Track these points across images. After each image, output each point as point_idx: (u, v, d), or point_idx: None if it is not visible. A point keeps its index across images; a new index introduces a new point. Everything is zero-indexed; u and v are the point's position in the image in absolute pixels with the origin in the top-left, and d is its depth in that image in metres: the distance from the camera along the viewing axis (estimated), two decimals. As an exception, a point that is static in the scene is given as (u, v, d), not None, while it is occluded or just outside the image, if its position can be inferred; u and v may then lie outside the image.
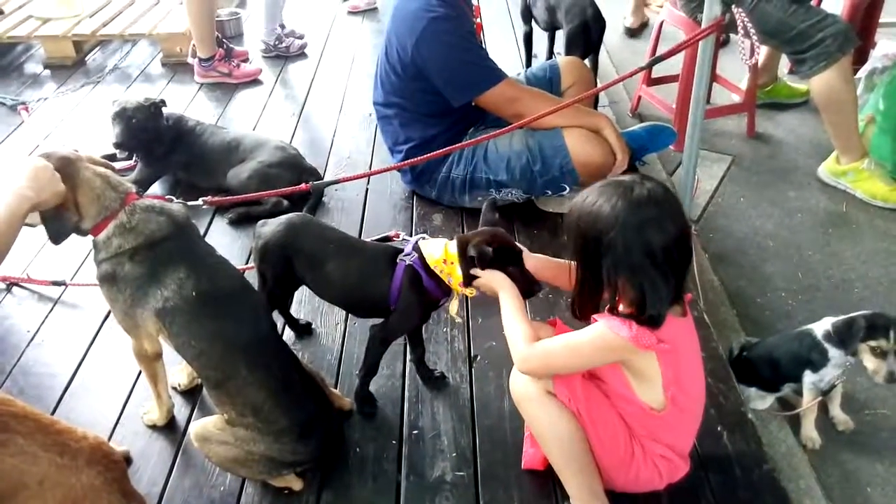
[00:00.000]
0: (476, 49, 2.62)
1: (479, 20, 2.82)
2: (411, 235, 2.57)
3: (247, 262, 2.48)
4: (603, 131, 2.59)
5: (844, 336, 2.00)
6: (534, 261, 1.78)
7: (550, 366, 1.56)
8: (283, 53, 4.38)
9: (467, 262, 1.71)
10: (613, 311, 1.49)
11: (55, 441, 1.47)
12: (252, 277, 2.00)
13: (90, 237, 1.67)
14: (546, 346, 1.54)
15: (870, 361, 2.00)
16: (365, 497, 1.77)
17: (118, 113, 2.85)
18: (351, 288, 1.91)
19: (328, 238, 1.95)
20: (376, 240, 2.24)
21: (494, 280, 1.68)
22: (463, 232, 2.71)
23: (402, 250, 1.86)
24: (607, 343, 1.46)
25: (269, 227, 1.95)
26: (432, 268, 1.78)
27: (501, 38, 4.48)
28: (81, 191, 1.62)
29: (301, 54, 4.41)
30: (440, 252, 1.78)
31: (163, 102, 2.96)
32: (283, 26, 4.45)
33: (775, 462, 1.87)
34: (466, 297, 1.80)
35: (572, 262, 1.56)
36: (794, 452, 2.01)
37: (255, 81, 4.05)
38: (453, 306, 1.83)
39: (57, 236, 1.64)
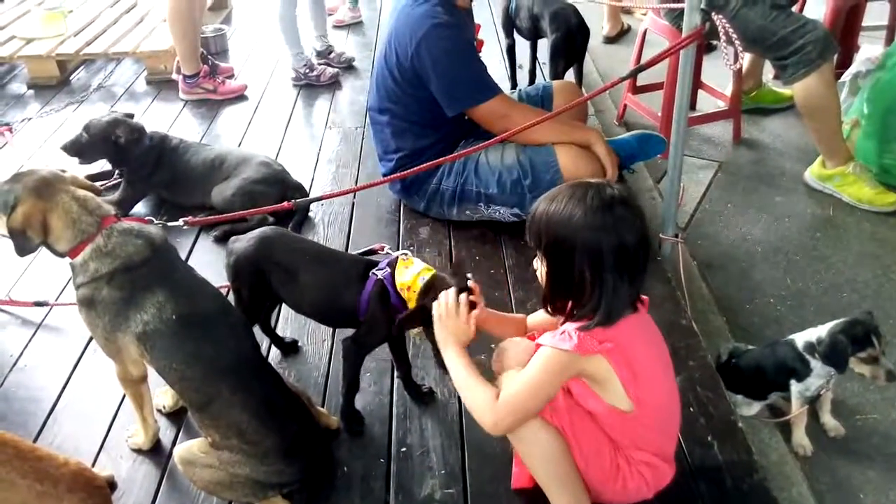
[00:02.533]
0: (475, 61, 2.61)
1: (479, 38, 2.82)
2: (398, 249, 2.57)
3: (231, 281, 2.47)
4: (593, 146, 2.60)
5: (834, 359, 1.99)
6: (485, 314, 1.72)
7: (523, 413, 1.51)
8: (313, 83, 4.12)
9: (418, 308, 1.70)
10: (555, 310, 1.55)
11: (34, 468, 1.47)
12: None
13: (68, 260, 1.65)
14: (508, 399, 1.49)
15: (864, 369, 2.00)
16: (353, 517, 1.75)
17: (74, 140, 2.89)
18: (323, 297, 1.89)
19: (302, 249, 1.94)
20: (361, 253, 2.22)
21: (440, 336, 1.63)
22: (449, 245, 2.71)
23: (377, 263, 1.85)
24: (557, 362, 1.46)
25: (241, 242, 1.93)
26: (399, 288, 1.77)
27: (488, 53, 4.47)
28: (55, 214, 1.60)
29: (334, 83, 4.15)
30: (409, 278, 1.76)
31: (130, 116, 2.95)
32: (324, 51, 4.35)
33: (766, 470, 1.86)
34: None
35: (540, 263, 1.54)
36: (785, 460, 1.99)
37: (240, 97, 4.04)
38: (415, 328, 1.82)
39: (21, 250, 1.62)
